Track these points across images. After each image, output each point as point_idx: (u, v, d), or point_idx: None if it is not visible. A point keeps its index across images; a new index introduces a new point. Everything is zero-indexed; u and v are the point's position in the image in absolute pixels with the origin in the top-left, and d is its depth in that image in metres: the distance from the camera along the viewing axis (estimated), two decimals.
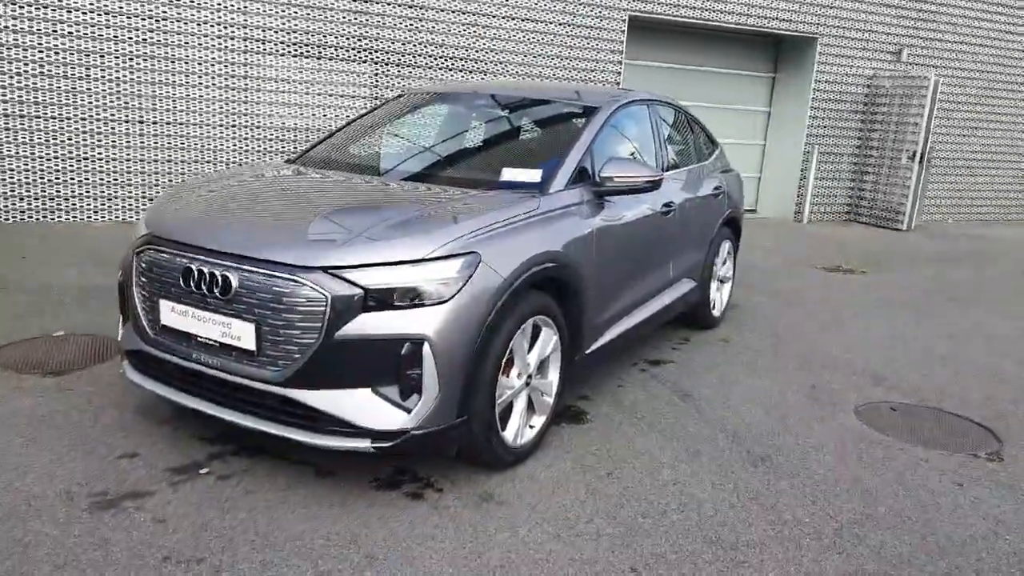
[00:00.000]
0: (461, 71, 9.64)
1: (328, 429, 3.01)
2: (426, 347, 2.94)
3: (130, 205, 8.42)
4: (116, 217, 8.42)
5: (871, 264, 9.23)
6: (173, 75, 8.33)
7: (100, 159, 8.22)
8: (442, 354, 2.96)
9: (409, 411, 2.98)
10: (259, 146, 8.87)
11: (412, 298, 2.95)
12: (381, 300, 2.93)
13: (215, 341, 3.09)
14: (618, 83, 10.51)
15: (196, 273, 3.10)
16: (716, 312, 5.93)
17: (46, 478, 3.18)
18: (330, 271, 2.93)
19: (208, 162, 8.65)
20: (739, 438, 4.02)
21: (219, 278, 3.03)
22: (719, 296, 5.99)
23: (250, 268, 3.00)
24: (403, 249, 3.00)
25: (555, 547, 2.94)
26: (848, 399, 4.69)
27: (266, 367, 3.00)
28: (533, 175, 3.83)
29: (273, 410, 3.08)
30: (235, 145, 8.75)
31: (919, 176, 11.91)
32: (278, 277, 2.95)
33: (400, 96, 5.12)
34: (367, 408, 2.97)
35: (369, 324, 2.91)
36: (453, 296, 2.99)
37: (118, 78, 8.12)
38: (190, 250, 3.16)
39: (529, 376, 3.51)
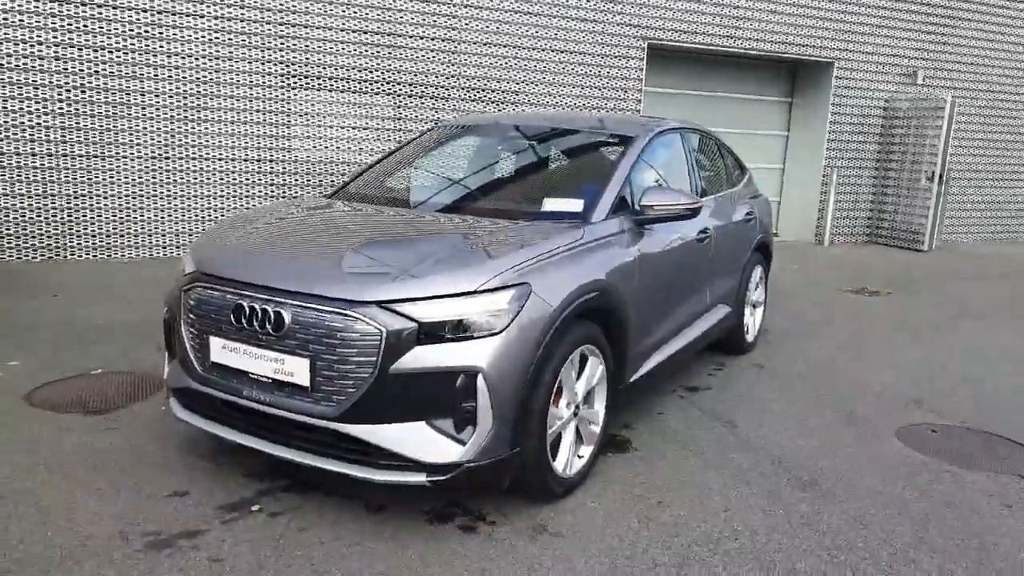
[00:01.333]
0: (482, 101, 9.73)
1: (383, 464, 3.00)
2: (480, 379, 2.94)
3: (157, 241, 8.50)
4: (146, 254, 8.49)
5: (895, 285, 9.20)
6: (199, 111, 8.44)
7: (127, 196, 8.31)
8: (496, 386, 2.97)
9: (464, 444, 2.98)
10: (285, 180, 8.95)
11: (465, 330, 2.96)
12: (435, 333, 2.94)
13: (268, 377, 3.10)
14: (638, 110, 10.58)
15: (248, 310, 3.12)
16: (749, 337, 5.91)
17: (97, 518, 3.18)
18: (384, 305, 2.94)
19: (235, 196, 8.73)
20: (784, 464, 3.99)
21: (271, 314, 3.05)
22: (752, 321, 5.97)
23: (303, 304, 3.02)
24: (455, 282, 3.02)
25: None
26: (888, 422, 4.65)
27: (320, 402, 3.01)
28: (575, 205, 3.85)
29: (327, 445, 3.08)
30: (261, 179, 8.84)
31: (938, 197, 11.89)
32: (332, 312, 2.96)
33: (432, 129, 5.17)
34: (422, 441, 2.97)
35: (423, 357, 2.92)
36: (506, 327, 3.00)
37: (148, 115, 8.24)
38: (241, 287, 3.19)
39: (577, 406, 3.50)
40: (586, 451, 3.63)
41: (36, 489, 3.39)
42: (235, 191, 8.74)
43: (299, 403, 3.04)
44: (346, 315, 2.94)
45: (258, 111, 8.70)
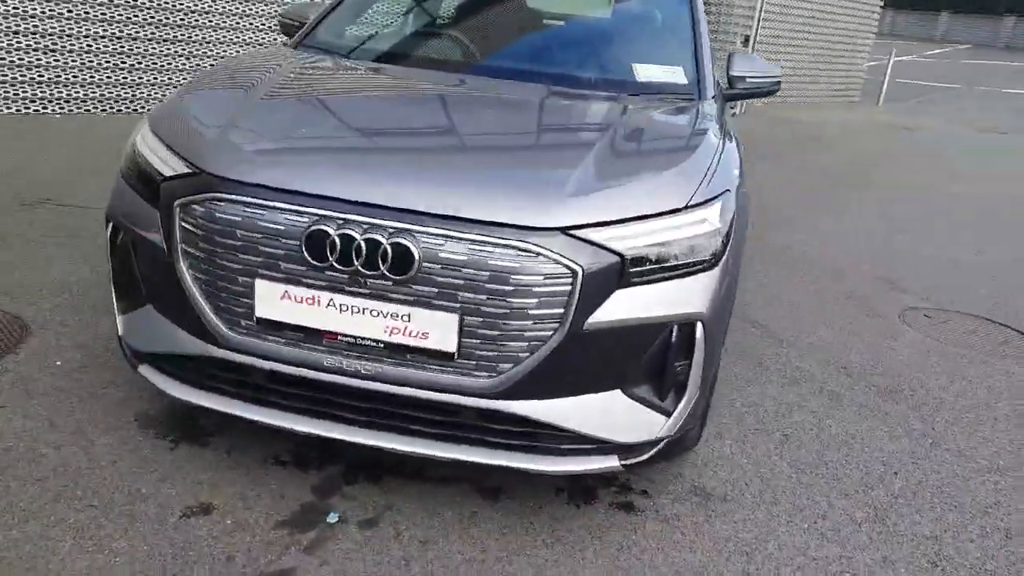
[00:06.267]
0: None
1: (559, 449, 2.15)
2: (699, 329, 2.13)
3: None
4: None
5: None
6: None
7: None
8: (712, 336, 2.19)
9: (669, 415, 2.20)
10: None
11: (681, 263, 2.11)
12: (643, 270, 2.06)
13: (377, 340, 2.05)
14: None
15: (339, 240, 1.98)
16: None
17: (112, 563, 2.03)
18: (573, 233, 1.99)
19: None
20: (850, 372, 3.66)
21: (387, 248, 1.96)
22: None
23: (445, 231, 1.97)
24: (661, 194, 2.14)
25: (821, 547, 2.39)
26: (881, 306, 4.55)
27: (471, 373, 2.04)
28: (676, 74, 3.00)
29: (470, 430, 2.14)
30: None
31: None
32: (496, 244, 1.96)
33: None
34: (616, 416, 2.15)
35: (628, 305, 2.04)
36: (723, 255, 2.19)
37: None
38: (323, 204, 2.02)
39: None
40: None
41: None
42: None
43: (434, 376, 2.05)
44: (521, 249, 1.95)
45: None
